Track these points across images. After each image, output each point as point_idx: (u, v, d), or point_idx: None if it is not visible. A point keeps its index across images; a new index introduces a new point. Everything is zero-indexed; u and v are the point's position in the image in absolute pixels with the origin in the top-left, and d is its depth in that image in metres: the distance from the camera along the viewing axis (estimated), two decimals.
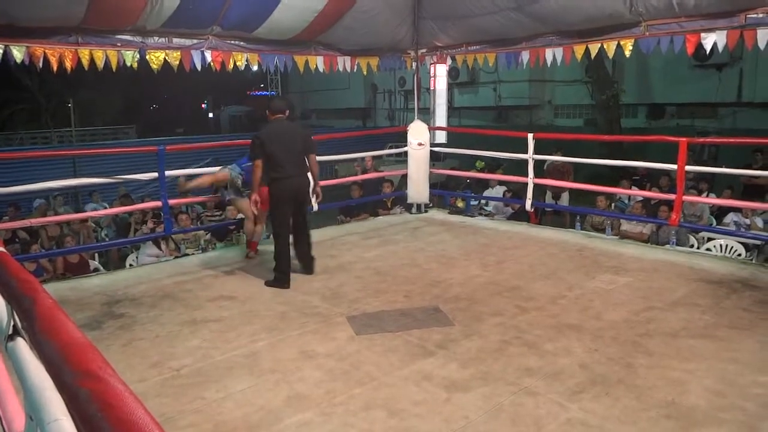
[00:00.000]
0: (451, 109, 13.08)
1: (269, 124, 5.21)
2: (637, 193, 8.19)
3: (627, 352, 3.59)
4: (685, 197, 6.21)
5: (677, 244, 6.43)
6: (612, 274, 5.16)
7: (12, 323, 1.53)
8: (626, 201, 8.91)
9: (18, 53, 5.43)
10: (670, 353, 3.56)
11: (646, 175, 10.23)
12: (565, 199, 9.52)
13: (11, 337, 1.54)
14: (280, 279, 5.07)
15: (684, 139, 6.00)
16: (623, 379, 3.24)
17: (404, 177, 8.37)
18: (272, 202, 5.21)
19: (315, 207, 7.08)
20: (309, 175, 5.33)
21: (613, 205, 8.63)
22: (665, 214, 6.71)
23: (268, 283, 5.09)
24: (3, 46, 5.32)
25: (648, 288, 4.79)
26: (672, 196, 6.27)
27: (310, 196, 5.46)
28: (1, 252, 1.62)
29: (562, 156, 8.58)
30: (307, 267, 5.41)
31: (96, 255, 7.94)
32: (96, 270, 7.21)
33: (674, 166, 6.09)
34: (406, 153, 8.16)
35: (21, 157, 12.78)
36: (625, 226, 7.52)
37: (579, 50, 6.71)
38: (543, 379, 3.26)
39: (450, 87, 9.28)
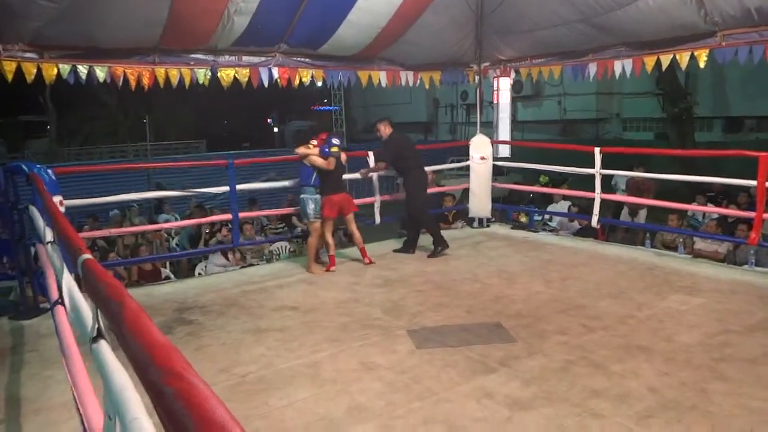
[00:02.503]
0: (515, 123, 12.89)
1: (393, 135, 6.71)
2: (715, 210, 7.79)
3: (701, 377, 3.41)
4: (765, 215, 5.86)
5: (756, 265, 6.07)
6: (685, 295, 4.93)
7: (97, 326, 1.62)
8: (700, 219, 8.51)
9: (101, 73, 5.79)
10: (749, 380, 3.35)
11: (722, 191, 9.73)
12: (642, 216, 9.14)
13: (95, 339, 1.63)
14: (442, 245, 6.51)
15: (764, 153, 5.68)
16: (697, 406, 3.07)
17: (466, 191, 8.32)
18: (413, 190, 6.60)
19: (378, 220, 7.17)
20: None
21: (685, 222, 8.25)
22: (744, 232, 6.36)
23: (431, 255, 6.46)
24: (88, 67, 5.69)
25: (724, 310, 4.54)
26: (752, 214, 5.94)
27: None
28: (89, 259, 1.73)
29: (645, 171, 8.21)
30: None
31: (167, 263, 8.29)
32: (167, 278, 7.54)
33: (753, 183, 5.77)
34: (468, 167, 8.12)
35: (101, 170, 13.55)
36: (699, 244, 7.17)
37: (650, 62, 6.49)
38: (610, 401, 3.14)
39: (513, 100, 9.17)
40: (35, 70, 5.38)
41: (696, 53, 6.02)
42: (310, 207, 6.09)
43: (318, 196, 6.08)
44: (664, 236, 7.79)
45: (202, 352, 4.02)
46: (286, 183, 7.28)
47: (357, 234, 6.34)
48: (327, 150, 5.94)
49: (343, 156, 6.19)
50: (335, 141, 6.03)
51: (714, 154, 12.96)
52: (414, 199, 6.65)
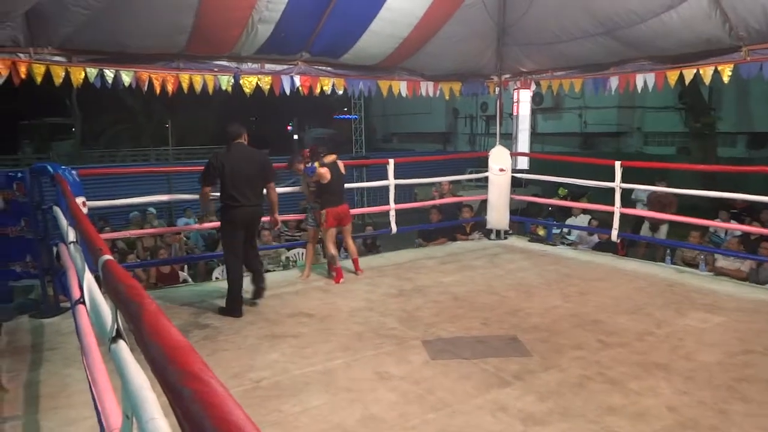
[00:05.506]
0: (534, 135, 12.85)
1: (229, 148, 4.99)
2: (737, 227, 7.67)
3: (721, 397, 3.34)
4: None
5: None
6: (705, 313, 4.85)
7: (116, 326, 1.64)
8: (722, 235, 8.37)
9: (127, 77, 5.89)
10: None
11: (746, 208, 9.58)
12: (663, 232, 9.02)
13: (114, 339, 1.65)
14: (232, 308, 4.94)
15: None
16: (717, 426, 3.01)
17: (484, 202, 8.30)
18: (224, 229, 5.08)
19: (394, 229, 7.16)
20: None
21: (707, 238, 8.12)
22: (767, 250, 6.25)
23: (222, 311, 4.97)
24: (114, 71, 5.80)
25: (746, 329, 4.45)
26: None
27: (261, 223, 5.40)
28: (110, 260, 1.75)
29: (666, 187, 8.09)
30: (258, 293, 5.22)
31: (185, 267, 8.36)
32: (185, 281, 7.60)
33: None
34: (486, 178, 8.09)
35: (123, 173, 13.74)
36: (721, 262, 7.05)
37: (672, 76, 6.44)
38: (627, 419, 3.09)
39: (533, 113, 9.14)
40: (63, 74, 5.49)
41: (720, 68, 5.96)
42: (310, 216, 6.18)
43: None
44: (685, 253, 7.68)
45: (217, 357, 4.04)
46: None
47: (352, 245, 6.39)
48: (312, 167, 5.85)
49: (341, 164, 6.08)
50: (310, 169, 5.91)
51: (737, 170, 12.80)
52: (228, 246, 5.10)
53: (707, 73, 6.09)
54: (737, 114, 16.54)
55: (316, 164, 5.83)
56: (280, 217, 5.66)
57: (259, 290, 5.20)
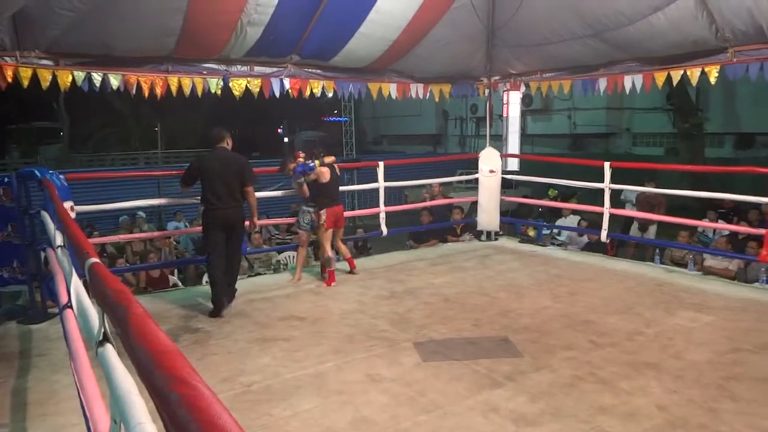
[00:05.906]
0: (524, 137, 12.89)
1: (211, 151, 5.21)
2: (725, 227, 7.74)
3: (710, 395, 3.36)
4: None
5: None
6: (694, 312, 4.88)
7: (102, 330, 1.63)
8: (710, 235, 8.44)
9: (115, 81, 5.84)
10: (760, 400, 3.31)
11: (733, 208, 9.67)
12: (652, 232, 9.08)
13: (101, 344, 1.64)
14: (214, 307, 4.99)
15: None
16: (706, 425, 3.03)
17: (474, 204, 8.32)
18: (205, 230, 5.15)
19: (385, 231, 7.17)
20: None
21: (695, 238, 8.18)
22: (754, 249, 6.30)
23: (211, 314, 4.98)
24: (102, 74, 5.75)
25: (734, 328, 4.49)
26: (762, 231, 5.90)
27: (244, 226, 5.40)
28: (96, 263, 1.74)
29: (655, 187, 8.14)
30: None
31: (175, 271, 8.31)
32: (175, 285, 7.56)
33: (765, 199, 5.74)
34: (476, 180, 8.12)
35: (112, 177, 13.65)
36: (710, 261, 7.11)
37: (660, 77, 6.49)
38: (617, 418, 3.11)
39: (523, 114, 9.18)
40: (50, 77, 5.44)
41: (707, 69, 6.01)
42: (305, 219, 6.09)
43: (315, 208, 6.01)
44: (674, 252, 7.73)
45: (207, 361, 4.01)
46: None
47: (344, 246, 6.46)
48: (311, 164, 5.84)
49: (336, 166, 6.14)
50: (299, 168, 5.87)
51: (724, 170, 12.91)
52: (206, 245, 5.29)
53: (694, 74, 6.14)
54: (724, 115, 16.70)
55: (317, 162, 5.86)
56: (261, 222, 5.64)
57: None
